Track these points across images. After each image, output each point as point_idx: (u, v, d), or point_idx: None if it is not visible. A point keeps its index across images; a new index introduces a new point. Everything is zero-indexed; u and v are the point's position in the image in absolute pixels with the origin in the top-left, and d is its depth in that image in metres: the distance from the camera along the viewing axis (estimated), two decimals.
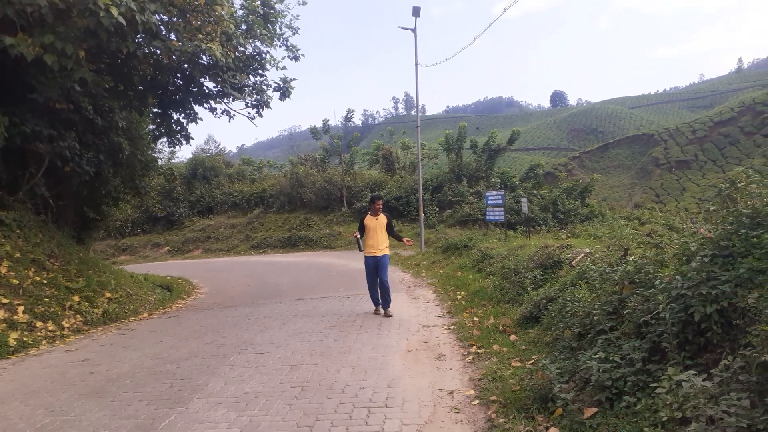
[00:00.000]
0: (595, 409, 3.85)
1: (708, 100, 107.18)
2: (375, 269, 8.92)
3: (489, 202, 19.45)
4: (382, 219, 9.02)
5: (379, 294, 8.97)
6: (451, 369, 5.75)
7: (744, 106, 64.70)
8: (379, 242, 8.90)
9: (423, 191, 25.01)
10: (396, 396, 4.89)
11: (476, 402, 4.64)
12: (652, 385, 3.54)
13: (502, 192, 19.40)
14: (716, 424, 2.78)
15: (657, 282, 4.36)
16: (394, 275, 15.11)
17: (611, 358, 4.13)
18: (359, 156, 38.35)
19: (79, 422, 4.50)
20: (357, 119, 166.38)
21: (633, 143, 72.02)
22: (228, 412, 4.61)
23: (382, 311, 8.89)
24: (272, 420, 4.41)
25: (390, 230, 9.12)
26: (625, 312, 4.62)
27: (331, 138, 35.68)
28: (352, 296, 11.08)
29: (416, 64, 23.03)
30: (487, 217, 20.28)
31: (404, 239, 9.39)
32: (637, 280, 4.89)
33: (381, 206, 9.07)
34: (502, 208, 18.52)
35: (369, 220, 8.99)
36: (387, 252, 9.04)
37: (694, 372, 3.19)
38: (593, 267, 6.48)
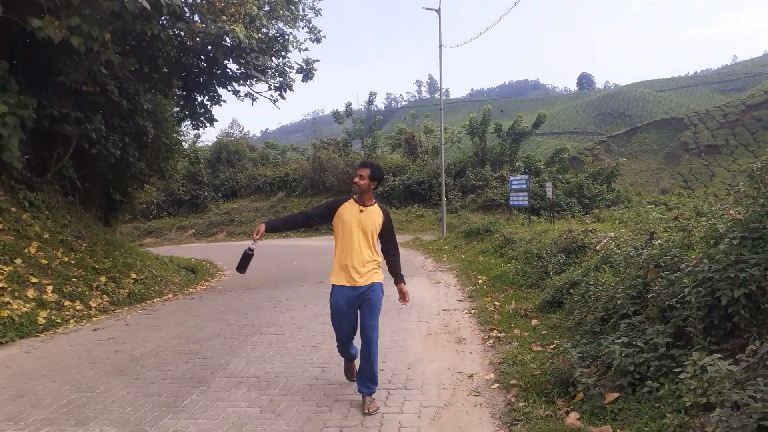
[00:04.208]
0: (616, 394, 3.80)
1: (740, 83, 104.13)
2: (351, 313, 4.33)
3: (513, 186, 19.30)
4: (374, 214, 4.36)
5: (360, 360, 4.37)
6: (471, 353, 5.72)
7: None
8: (361, 258, 4.27)
9: (446, 175, 24.88)
10: (415, 378, 4.89)
11: (496, 386, 4.61)
12: (676, 370, 3.47)
13: (526, 176, 19.24)
14: (741, 409, 2.71)
15: (683, 265, 4.26)
16: (415, 260, 15.04)
17: (634, 343, 4.05)
18: (382, 140, 38.31)
19: (104, 399, 4.59)
20: (380, 103, 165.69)
21: (661, 127, 70.51)
22: (249, 392, 4.66)
23: (362, 399, 4.26)
24: (292, 400, 4.44)
25: (386, 238, 4.48)
26: (650, 296, 4.53)
27: (353, 122, 35.72)
28: None
29: (440, 45, 22.81)
30: (511, 202, 20.14)
31: (401, 286, 4.46)
32: (663, 264, 4.79)
33: (366, 182, 4.29)
34: (526, 193, 18.35)
35: (348, 210, 4.35)
36: (378, 279, 4.37)
37: (720, 356, 3.11)
38: (618, 251, 6.38)
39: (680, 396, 3.26)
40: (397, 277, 4.50)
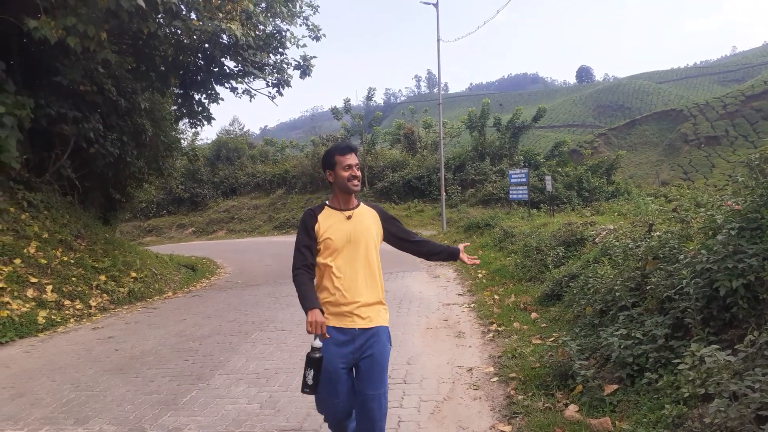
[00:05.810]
0: (615, 386, 3.80)
1: (740, 74, 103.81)
2: (346, 375, 2.79)
3: (512, 180, 19.27)
4: (366, 217, 2.95)
5: None
6: (470, 346, 5.73)
7: None
8: (363, 287, 2.83)
9: (445, 170, 24.84)
10: (415, 373, 4.89)
11: (495, 379, 4.61)
12: (675, 361, 3.47)
13: (525, 170, 19.23)
14: (740, 400, 2.71)
15: (681, 257, 4.25)
16: (413, 258, 15.00)
17: (633, 335, 4.05)
18: (381, 135, 38.15)
19: (103, 397, 4.59)
20: (379, 99, 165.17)
21: (661, 119, 70.35)
22: (248, 388, 4.67)
23: None
24: (292, 396, 4.44)
25: (399, 236, 3.11)
26: (648, 288, 4.52)
27: (352, 118, 35.58)
28: None
29: (438, 40, 22.75)
30: (510, 196, 20.11)
31: (461, 250, 3.22)
32: (661, 255, 4.78)
33: (357, 174, 2.88)
34: (525, 187, 18.34)
35: (329, 222, 2.88)
36: (383, 322, 2.88)
37: (718, 347, 3.11)
38: (617, 243, 6.37)
39: (679, 387, 3.26)
40: (447, 251, 3.24)
